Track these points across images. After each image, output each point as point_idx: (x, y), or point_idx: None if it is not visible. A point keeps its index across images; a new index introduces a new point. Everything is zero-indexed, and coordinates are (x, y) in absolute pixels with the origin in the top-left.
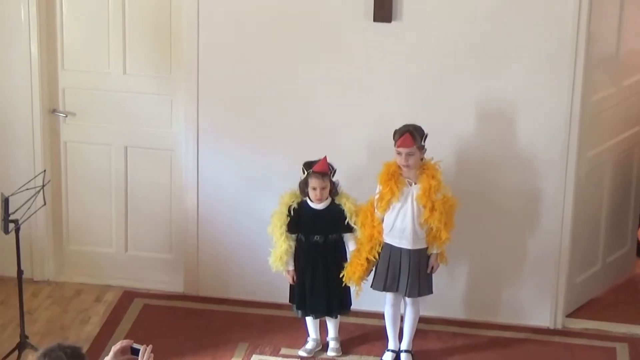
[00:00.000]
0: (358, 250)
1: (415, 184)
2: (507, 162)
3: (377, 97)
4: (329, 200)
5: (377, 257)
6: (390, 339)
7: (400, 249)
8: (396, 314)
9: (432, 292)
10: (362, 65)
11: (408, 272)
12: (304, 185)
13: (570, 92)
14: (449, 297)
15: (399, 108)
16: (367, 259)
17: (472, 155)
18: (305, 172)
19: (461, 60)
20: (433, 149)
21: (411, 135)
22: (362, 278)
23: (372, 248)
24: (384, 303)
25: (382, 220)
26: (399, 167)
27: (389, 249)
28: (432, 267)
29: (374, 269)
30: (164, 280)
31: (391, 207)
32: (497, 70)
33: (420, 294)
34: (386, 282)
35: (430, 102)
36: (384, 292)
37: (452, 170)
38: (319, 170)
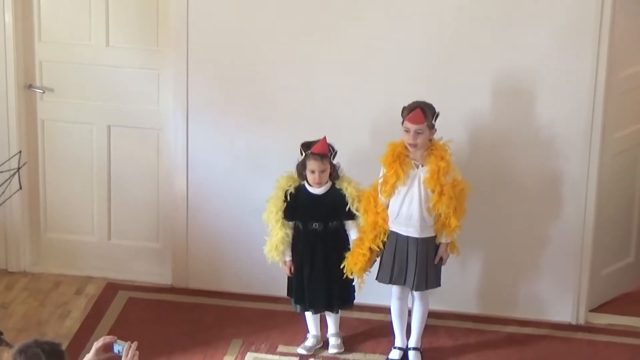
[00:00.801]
0: (360, 239)
1: (422, 166)
2: (524, 143)
3: (382, 72)
4: (329, 184)
5: (381, 246)
6: (397, 336)
7: (407, 237)
8: (403, 309)
9: (439, 285)
10: (366, 36)
11: (415, 263)
12: (301, 168)
13: (594, 66)
14: (461, 289)
15: (406, 84)
16: (370, 248)
17: (487, 134)
18: (303, 154)
19: (474, 30)
20: (444, 128)
21: (422, 111)
22: (365, 269)
23: (375, 237)
24: (389, 296)
25: (387, 206)
26: (406, 147)
27: (395, 238)
28: (441, 258)
29: (378, 259)
30: (150, 271)
31: (396, 192)
32: (514, 41)
33: (427, 287)
34: (392, 274)
35: (441, 77)
36: (389, 285)
37: (465, 152)
38: (317, 151)
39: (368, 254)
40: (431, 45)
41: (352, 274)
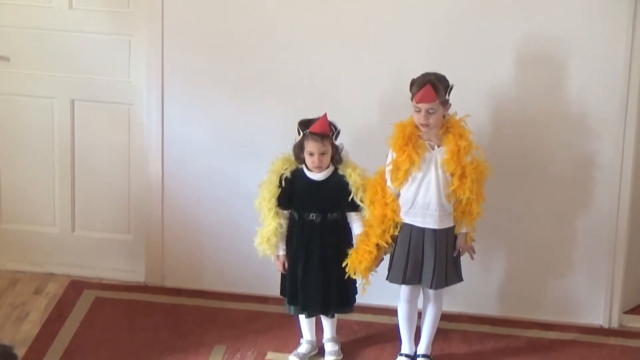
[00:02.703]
0: (366, 234)
1: (438, 146)
2: (550, 121)
3: (391, 41)
4: (331, 169)
5: (390, 242)
6: (405, 341)
7: (424, 229)
8: (413, 312)
9: (462, 280)
10: (370, 3)
11: (434, 258)
12: (299, 150)
13: (630, 33)
14: (477, 289)
15: (419, 54)
16: (377, 245)
17: (509, 111)
18: (301, 133)
19: None
20: (461, 104)
21: (433, 87)
22: (371, 269)
23: (384, 232)
24: (395, 297)
25: (398, 195)
26: (416, 127)
27: (409, 231)
28: (460, 250)
29: (389, 256)
30: (120, 267)
31: (410, 179)
32: (541, 5)
33: (448, 284)
34: (406, 272)
35: (458, 47)
36: (399, 285)
37: (485, 130)
38: (317, 130)
39: (375, 251)
40: (446, 9)
41: (355, 273)
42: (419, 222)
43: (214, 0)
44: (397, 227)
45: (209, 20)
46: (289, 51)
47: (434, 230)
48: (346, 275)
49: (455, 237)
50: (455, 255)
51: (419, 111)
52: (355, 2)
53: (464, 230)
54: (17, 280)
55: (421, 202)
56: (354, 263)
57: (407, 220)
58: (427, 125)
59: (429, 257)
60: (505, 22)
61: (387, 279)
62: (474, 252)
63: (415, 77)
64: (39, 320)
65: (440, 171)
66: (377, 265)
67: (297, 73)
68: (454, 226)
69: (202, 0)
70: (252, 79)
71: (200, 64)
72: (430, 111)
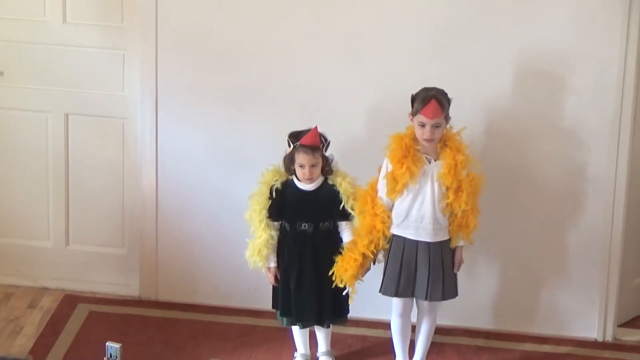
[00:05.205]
0: (354, 242)
1: (435, 160)
2: (542, 133)
3: (382, 53)
4: (321, 179)
5: (375, 252)
6: (399, 355)
7: (417, 242)
8: (406, 326)
9: (457, 295)
10: (362, 9)
11: (428, 271)
12: (289, 162)
13: (624, 46)
14: (472, 302)
15: (410, 66)
16: (363, 254)
17: (502, 123)
18: (292, 145)
19: (489, 5)
20: (454, 116)
21: (438, 102)
22: (357, 277)
23: (371, 242)
24: (389, 310)
25: (392, 207)
26: (414, 140)
27: (402, 244)
28: (459, 265)
29: (382, 268)
30: (114, 281)
31: (405, 191)
32: (534, 19)
33: (444, 297)
34: (399, 284)
35: (450, 60)
36: (391, 298)
37: (478, 142)
38: (308, 143)
39: (360, 259)
40: (440, 23)
41: (342, 281)
42: (412, 235)
43: (207, 14)
44: (386, 239)
45: (202, 34)
46: (282, 64)
47: (428, 243)
48: (333, 285)
49: (450, 250)
50: (455, 270)
51: (423, 126)
52: (347, 15)
53: (460, 244)
54: (11, 295)
55: (415, 215)
56: (340, 271)
57: (400, 232)
58: (432, 140)
59: (422, 270)
60: (498, 35)
61: (380, 291)
62: (460, 264)
63: (415, 93)
64: (33, 334)
65: (436, 185)
66: (363, 274)
67: (290, 86)
68: (449, 239)
69: (196, 15)
70: (244, 92)
71: (194, 78)
72: (436, 126)
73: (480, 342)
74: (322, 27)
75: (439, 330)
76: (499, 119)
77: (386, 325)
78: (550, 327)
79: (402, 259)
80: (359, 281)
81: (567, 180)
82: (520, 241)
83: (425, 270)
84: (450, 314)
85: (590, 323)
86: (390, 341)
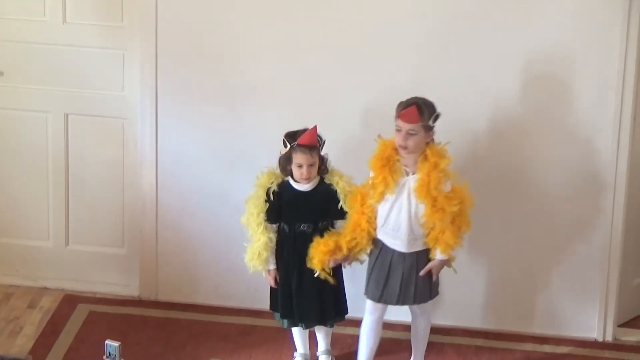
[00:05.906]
0: (337, 232)
1: (412, 173)
2: (541, 133)
3: (379, 54)
4: (318, 179)
5: (353, 249)
6: (360, 357)
7: (393, 250)
8: (374, 326)
9: (435, 295)
10: (359, 9)
11: (401, 279)
12: (285, 162)
13: (624, 44)
14: (471, 302)
15: (408, 67)
16: (338, 244)
17: (502, 124)
18: (288, 145)
19: (487, 5)
20: (453, 119)
21: (418, 109)
22: (323, 262)
23: (353, 239)
24: (390, 310)
25: (377, 209)
26: (395, 149)
27: (379, 247)
28: (430, 271)
29: (367, 271)
30: (114, 281)
31: (384, 200)
32: (534, 20)
33: (416, 302)
34: (368, 283)
35: (449, 59)
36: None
37: (478, 143)
38: (306, 142)
39: (333, 247)
40: (439, 21)
41: (310, 262)
42: (389, 243)
43: (206, 14)
44: (370, 238)
45: (202, 34)
46: (277, 67)
47: (403, 253)
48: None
49: (428, 259)
50: (421, 274)
51: (399, 131)
52: (345, 14)
53: (439, 257)
54: (10, 295)
55: (392, 224)
56: (311, 251)
57: (379, 236)
58: (405, 148)
59: (395, 276)
60: (498, 35)
61: (364, 293)
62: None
63: (402, 100)
64: (33, 335)
65: (412, 198)
66: (330, 265)
67: (290, 86)
68: (428, 250)
69: (196, 15)
70: (242, 93)
71: (193, 78)
72: (410, 132)
73: (480, 342)
74: (321, 28)
75: (438, 330)
76: (498, 119)
77: (386, 326)
78: (550, 327)
79: (376, 262)
80: (326, 268)
81: (567, 180)
82: (521, 241)
83: (398, 277)
84: (450, 314)
85: (590, 323)
86: (389, 341)
